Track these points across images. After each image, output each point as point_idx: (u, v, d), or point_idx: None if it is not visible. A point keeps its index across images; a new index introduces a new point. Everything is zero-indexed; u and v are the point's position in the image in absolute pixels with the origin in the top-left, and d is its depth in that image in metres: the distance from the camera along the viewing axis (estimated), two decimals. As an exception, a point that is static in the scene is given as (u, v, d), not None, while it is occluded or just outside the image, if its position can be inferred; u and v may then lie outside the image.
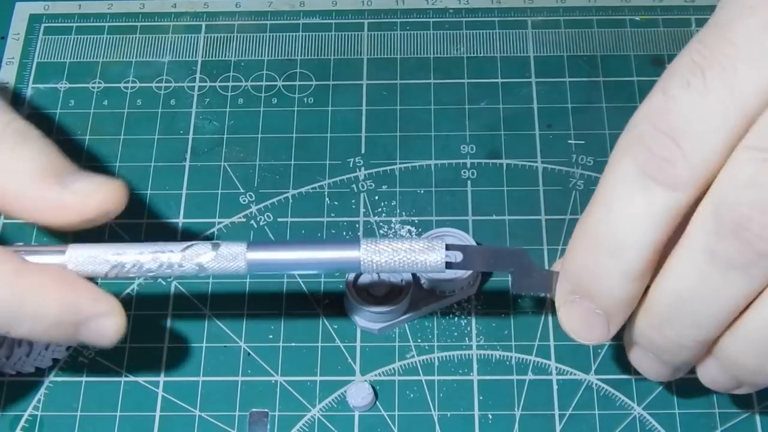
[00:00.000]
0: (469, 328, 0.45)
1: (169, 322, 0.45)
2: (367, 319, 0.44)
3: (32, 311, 0.35)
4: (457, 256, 0.36)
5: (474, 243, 0.45)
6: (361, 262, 0.36)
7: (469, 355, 0.44)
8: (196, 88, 0.53)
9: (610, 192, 0.33)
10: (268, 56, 0.54)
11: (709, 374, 0.37)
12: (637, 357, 0.38)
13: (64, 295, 0.35)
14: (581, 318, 0.36)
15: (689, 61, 0.32)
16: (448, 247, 0.36)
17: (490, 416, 0.43)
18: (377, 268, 0.36)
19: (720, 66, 0.32)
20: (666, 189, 0.32)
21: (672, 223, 0.33)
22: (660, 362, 0.37)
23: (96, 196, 0.36)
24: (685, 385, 0.43)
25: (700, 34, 0.33)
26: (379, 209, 0.48)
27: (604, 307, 0.35)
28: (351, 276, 0.44)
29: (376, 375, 0.44)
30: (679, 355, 0.36)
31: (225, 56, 0.54)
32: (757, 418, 0.43)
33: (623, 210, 0.33)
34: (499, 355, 0.44)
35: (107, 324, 0.36)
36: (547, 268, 0.39)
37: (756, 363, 0.34)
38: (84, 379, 0.44)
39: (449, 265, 0.36)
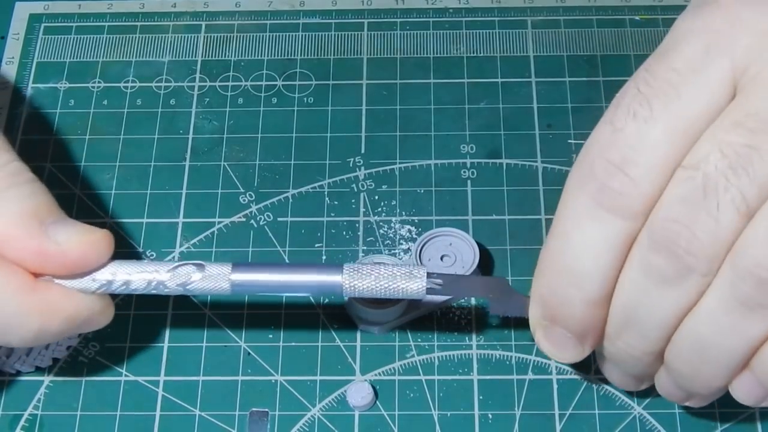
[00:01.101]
0: (469, 328, 0.45)
1: (169, 322, 0.45)
2: (367, 319, 0.44)
3: (38, 326, 0.36)
4: (438, 284, 0.37)
5: (474, 243, 0.45)
6: (344, 287, 0.37)
7: (469, 354, 0.44)
8: (196, 88, 0.53)
9: (568, 223, 0.34)
10: (268, 56, 0.54)
11: (662, 385, 0.38)
12: (604, 367, 0.40)
13: (68, 308, 0.36)
14: (555, 341, 0.37)
15: (635, 91, 0.33)
16: (429, 275, 0.37)
17: (490, 416, 0.43)
18: (359, 294, 0.37)
19: (664, 94, 0.33)
20: (619, 218, 0.33)
21: (627, 249, 0.34)
22: (623, 372, 0.39)
23: (78, 248, 0.36)
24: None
25: (646, 62, 0.34)
26: (379, 209, 0.48)
27: (572, 331, 0.36)
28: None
29: (376, 374, 0.44)
30: (635, 366, 0.37)
31: (225, 56, 0.54)
32: (758, 418, 0.43)
33: (580, 241, 0.34)
34: (499, 355, 0.44)
35: (101, 320, 0.38)
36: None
37: (690, 369, 0.35)
38: (84, 378, 0.44)
39: (430, 292, 0.37)
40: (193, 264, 0.37)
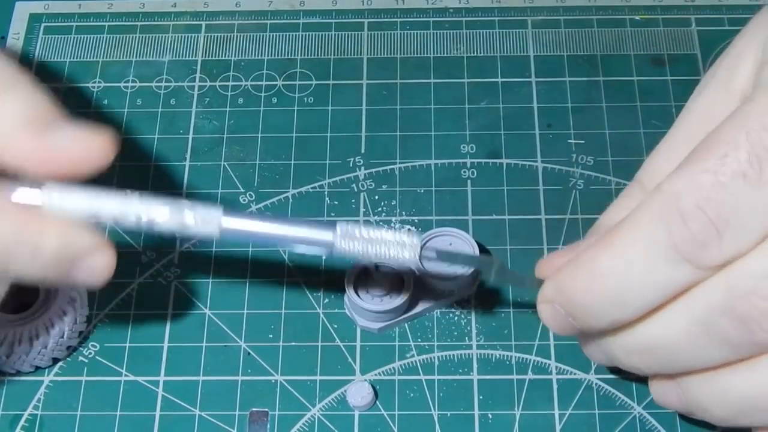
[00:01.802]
0: (469, 328, 0.45)
1: (169, 322, 0.45)
2: (367, 319, 0.44)
3: (32, 244, 0.35)
4: (431, 255, 0.37)
5: (474, 242, 0.45)
6: (335, 246, 0.36)
7: (469, 354, 0.44)
8: (196, 88, 0.53)
9: (636, 251, 0.34)
10: (268, 56, 0.54)
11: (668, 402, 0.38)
12: (588, 348, 0.39)
13: (62, 230, 0.35)
14: (557, 320, 0.37)
15: (749, 149, 0.32)
16: (423, 247, 0.36)
17: (490, 416, 0.43)
18: (349, 255, 0.36)
19: None
20: (693, 268, 0.33)
21: (681, 291, 0.34)
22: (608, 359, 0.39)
23: (78, 148, 0.35)
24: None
25: (761, 113, 0.33)
26: (379, 209, 0.48)
27: (582, 328, 0.37)
28: (351, 275, 0.44)
29: (376, 374, 0.44)
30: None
31: (225, 56, 0.54)
32: (757, 417, 0.43)
33: (645, 274, 0.34)
34: (499, 355, 0.44)
35: (100, 261, 0.36)
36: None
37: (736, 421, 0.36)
38: (84, 378, 0.44)
39: (423, 260, 0.36)
40: (186, 203, 0.36)
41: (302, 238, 0.36)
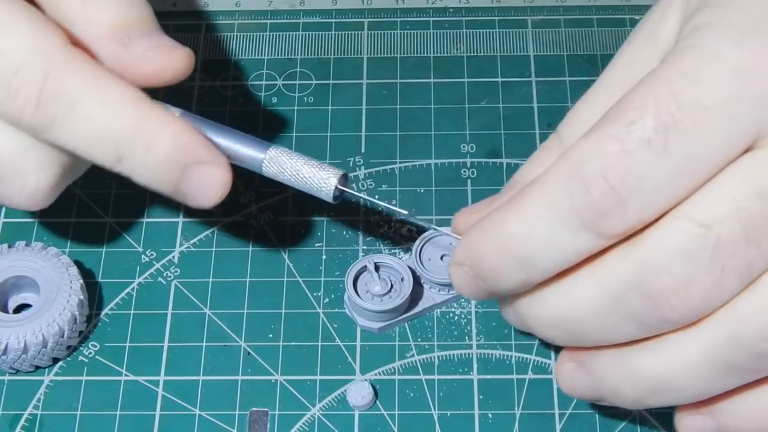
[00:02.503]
0: (469, 327, 0.45)
1: (169, 322, 0.45)
2: (367, 318, 0.44)
3: (147, 138, 0.36)
4: (348, 192, 0.39)
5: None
6: (263, 167, 0.38)
7: (469, 354, 0.44)
8: (196, 88, 0.53)
9: (539, 216, 0.33)
10: (268, 55, 0.54)
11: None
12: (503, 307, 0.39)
13: (180, 133, 0.36)
14: (468, 283, 0.37)
15: (655, 116, 0.32)
16: (340, 186, 0.38)
17: (490, 415, 0.43)
18: (274, 177, 0.38)
19: (685, 130, 0.31)
20: (595, 236, 0.33)
21: (586, 257, 0.34)
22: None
23: (159, 60, 0.37)
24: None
25: (670, 77, 0.32)
26: (379, 209, 0.48)
27: (492, 290, 0.36)
28: (351, 275, 0.44)
29: (376, 374, 0.44)
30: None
31: (225, 55, 0.54)
32: (758, 417, 0.43)
33: (548, 240, 0.33)
34: (499, 355, 0.44)
35: (214, 174, 0.37)
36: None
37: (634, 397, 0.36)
38: (84, 378, 0.44)
39: (336, 200, 0.39)
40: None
41: (235, 149, 0.38)
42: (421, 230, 0.47)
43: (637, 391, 0.35)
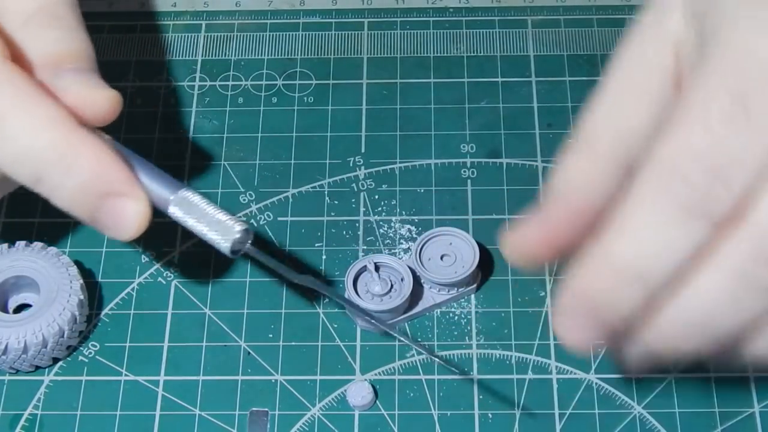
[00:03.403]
0: (469, 327, 0.45)
1: (169, 322, 0.45)
2: (366, 319, 0.44)
3: (67, 162, 0.35)
4: (248, 249, 0.36)
5: (474, 242, 0.45)
6: (169, 211, 0.36)
7: (469, 354, 0.44)
8: (196, 88, 0.53)
9: (643, 228, 0.33)
10: (268, 55, 0.54)
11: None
12: (627, 354, 0.37)
13: (101, 161, 0.36)
14: (581, 329, 0.36)
15: (726, 89, 0.32)
16: (244, 240, 0.36)
17: (490, 416, 0.43)
18: (178, 220, 0.36)
19: (761, 91, 0.31)
20: (705, 223, 0.32)
21: (698, 250, 0.33)
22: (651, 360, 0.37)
23: (82, 97, 0.36)
24: (685, 385, 0.43)
25: (723, 56, 0.32)
26: (379, 208, 0.48)
27: (612, 319, 0.35)
28: (351, 275, 0.44)
29: (376, 374, 0.44)
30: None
31: (225, 55, 0.54)
32: (757, 418, 0.43)
33: (658, 243, 0.33)
34: (499, 354, 0.44)
35: (129, 207, 0.36)
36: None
37: None
38: (84, 378, 0.44)
39: (234, 254, 0.36)
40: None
41: (146, 185, 0.37)
42: (421, 230, 0.47)
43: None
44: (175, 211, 0.36)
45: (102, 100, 0.37)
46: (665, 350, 0.36)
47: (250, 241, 0.36)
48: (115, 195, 0.36)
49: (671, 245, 0.33)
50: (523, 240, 0.38)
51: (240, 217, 0.47)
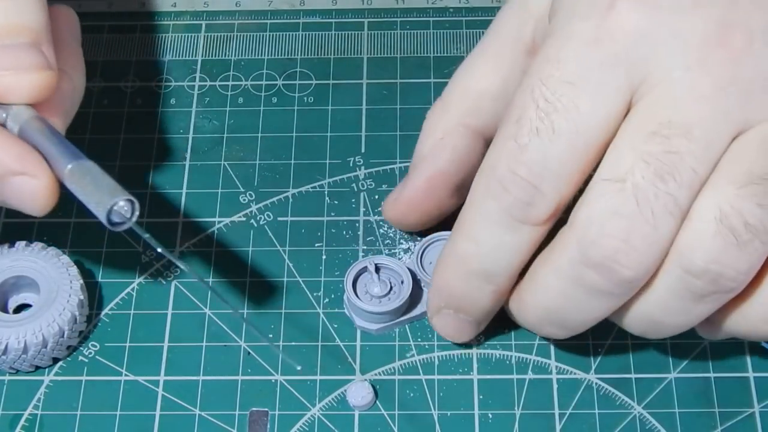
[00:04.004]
0: (469, 328, 0.45)
1: (169, 322, 0.45)
2: (365, 320, 0.44)
3: None
4: (132, 224, 0.35)
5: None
6: (64, 180, 0.36)
7: (469, 354, 0.44)
8: (196, 88, 0.53)
9: (478, 229, 0.37)
10: (268, 55, 0.54)
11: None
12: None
13: None
14: (454, 326, 0.41)
15: (535, 107, 0.34)
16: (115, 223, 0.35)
17: (490, 415, 0.43)
18: (71, 189, 0.36)
19: (563, 108, 0.34)
20: (531, 226, 0.36)
21: (535, 247, 0.37)
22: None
23: (9, 75, 0.36)
24: (685, 385, 0.43)
25: (538, 68, 0.35)
26: (379, 208, 0.48)
27: (475, 317, 0.40)
28: (351, 276, 0.44)
29: (376, 374, 0.44)
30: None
31: (225, 55, 0.54)
32: (757, 417, 0.43)
33: (494, 246, 0.37)
34: (499, 355, 0.44)
35: (29, 184, 0.36)
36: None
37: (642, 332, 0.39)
38: (84, 378, 0.44)
39: (113, 225, 0.35)
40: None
41: (45, 149, 0.36)
42: (424, 233, 0.47)
43: (639, 330, 0.38)
44: (70, 183, 0.35)
45: (24, 83, 0.36)
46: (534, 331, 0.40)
47: (134, 218, 0.35)
48: (12, 175, 0.36)
49: (505, 247, 0.36)
50: (392, 205, 0.44)
51: (241, 215, 0.47)
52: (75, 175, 0.35)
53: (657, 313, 0.36)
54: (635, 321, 0.37)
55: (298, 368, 0.43)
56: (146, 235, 0.35)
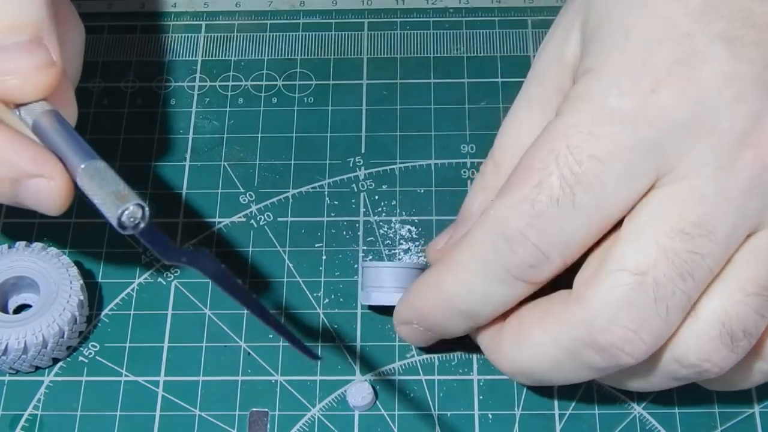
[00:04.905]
0: (469, 328, 0.45)
1: (169, 322, 0.45)
2: (385, 290, 0.43)
3: None
4: (139, 228, 0.35)
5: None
6: (77, 180, 0.35)
7: (469, 354, 0.44)
8: (196, 88, 0.53)
9: (473, 276, 0.36)
10: (268, 56, 0.54)
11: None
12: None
13: (4, 147, 0.35)
14: (420, 337, 0.41)
15: (559, 175, 0.34)
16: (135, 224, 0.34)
17: (490, 416, 0.43)
18: (83, 189, 0.35)
19: (588, 184, 0.33)
20: (526, 284, 0.36)
21: (525, 296, 0.36)
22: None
23: (13, 72, 0.36)
24: (685, 385, 0.43)
25: (565, 132, 0.34)
26: (379, 209, 0.48)
27: (441, 337, 0.40)
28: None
29: (376, 375, 0.44)
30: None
31: (225, 56, 0.54)
32: (757, 418, 0.43)
33: (485, 294, 0.36)
34: (499, 355, 0.44)
35: (44, 186, 0.36)
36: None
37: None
38: (84, 378, 0.44)
39: (123, 228, 0.34)
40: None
41: (59, 148, 0.36)
42: (421, 231, 0.47)
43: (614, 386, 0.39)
44: (81, 181, 0.35)
45: (29, 85, 0.36)
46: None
47: (143, 223, 0.34)
48: (27, 177, 0.36)
49: (496, 297, 0.36)
50: (440, 253, 0.42)
51: (241, 215, 0.47)
52: (87, 176, 0.35)
53: (636, 384, 0.38)
54: (612, 383, 0.39)
55: (320, 359, 0.43)
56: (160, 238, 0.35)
